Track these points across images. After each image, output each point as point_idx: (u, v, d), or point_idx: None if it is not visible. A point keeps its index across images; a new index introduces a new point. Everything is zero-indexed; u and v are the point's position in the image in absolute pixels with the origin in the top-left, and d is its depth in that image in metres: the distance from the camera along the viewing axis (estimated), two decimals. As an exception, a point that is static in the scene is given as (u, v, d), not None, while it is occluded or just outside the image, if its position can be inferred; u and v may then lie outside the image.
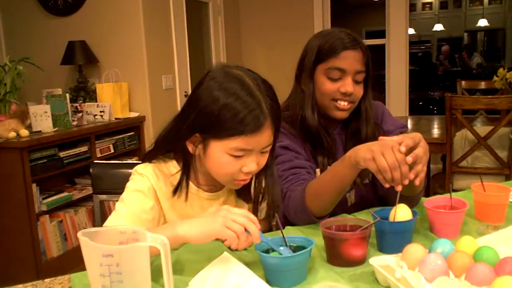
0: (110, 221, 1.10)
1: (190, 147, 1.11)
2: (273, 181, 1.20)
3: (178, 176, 1.16)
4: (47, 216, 2.91)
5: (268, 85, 1.08)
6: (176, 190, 1.15)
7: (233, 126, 1.01)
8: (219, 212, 0.97)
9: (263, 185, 1.21)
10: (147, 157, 1.18)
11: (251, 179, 1.19)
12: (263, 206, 1.29)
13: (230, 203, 1.24)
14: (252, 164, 1.07)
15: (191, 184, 1.18)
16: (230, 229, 0.94)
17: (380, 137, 1.12)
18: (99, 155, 3.21)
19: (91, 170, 1.53)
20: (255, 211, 1.24)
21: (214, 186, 1.22)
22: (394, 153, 1.05)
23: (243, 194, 1.25)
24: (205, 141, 1.07)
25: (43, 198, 2.89)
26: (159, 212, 1.17)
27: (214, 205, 1.21)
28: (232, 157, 1.05)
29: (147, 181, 1.14)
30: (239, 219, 0.95)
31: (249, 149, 1.05)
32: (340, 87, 1.36)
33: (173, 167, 1.18)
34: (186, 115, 1.09)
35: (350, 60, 1.35)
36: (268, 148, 1.10)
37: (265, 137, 1.05)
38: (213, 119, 1.03)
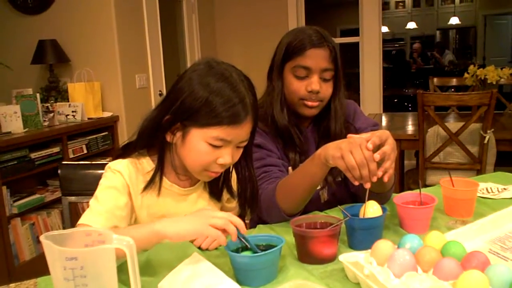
0: (84, 219, 1.07)
1: (168, 136, 1.11)
2: (249, 178, 1.21)
3: (152, 173, 1.15)
4: (19, 219, 2.85)
5: (251, 83, 1.11)
6: (147, 185, 1.14)
7: (216, 116, 1.03)
8: (202, 212, 0.97)
9: (239, 181, 1.22)
10: (124, 151, 1.17)
11: (224, 175, 1.21)
12: (234, 205, 1.29)
13: (204, 198, 1.24)
14: (227, 156, 1.08)
15: (165, 179, 1.17)
16: (214, 227, 0.93)
17: (349, 135, 1.13)
18: (71, 155, 3.16)
19: (59, 172, 1.50)
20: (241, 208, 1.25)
21: (189, 178, 1.21)
22: (362, 150, 1.06)
23: (215, 191, 1.25)
24: (185, 129, 1.07)
25: (14, 201, 2.83)
26: (132, 209, 1.15)
27: (188, 199, 1.21)
28: (210, 146, 1.06)
29: (120, 177, 1.13)
30: (219, 222, 0.95)
31: (228, 140, 1.06)
32: (307, 86, 1.37)
33: (147, 164, 1.17)
34: (168, 105, 1.09)
35: (316, 58, 1.36)
36: (244, 144, 1.12)
37: (244, 130, 1.07)
38: (196, 109, 1.04)
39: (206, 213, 0.97)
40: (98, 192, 1.12)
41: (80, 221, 1.08)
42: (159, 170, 1.15)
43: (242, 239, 0.98)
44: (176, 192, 1.20)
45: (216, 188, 1.24)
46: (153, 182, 1.14)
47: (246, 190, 1.21)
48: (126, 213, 1.12)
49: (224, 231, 0.95)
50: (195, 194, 1.23)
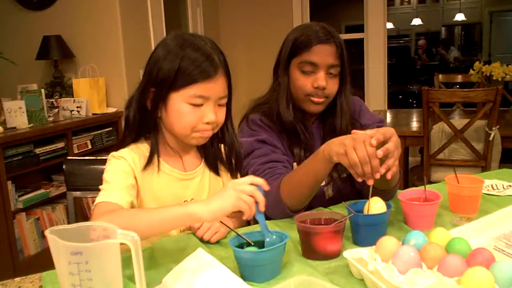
0: (102, 198, 1.08)
1: (157, 112, 1.16)
2: (232, 142, 1.27)
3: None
4: (24, 213, 2.86)
5: (216, 45, 1.17)
6: (146, 165, 1.17)
7: (188, 76, 1.09)
8: (228, 184, 0.98)
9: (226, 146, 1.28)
10: (123, 143, 1.20)
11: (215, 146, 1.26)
12: None
13: (204, 181, 1.26)
14: (211, 114, 1.13)
15: (164, 163, 1.20)
16: (243, 201, 0.95)
17: (353, 131, 1.12)
18: (76, 151, 3.17)
19: (64, 167, 1.51)
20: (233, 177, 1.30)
21: (185, 154, 1.24)
22: (365, 147, 1.05)
23: (211, 161, 1.28)
24: (165, 98, 1.12)
25: (19, 196, 2.84)
26: (138, 192, 1.18)
27: (192, 184, 1.23)
28: (192, 106, 1.12)
29: (125, 162, 1.16)
30: (247, 188, 0.96)
31: (206, 96, 1.12)
32: (313, 82, 1.37)
33: (144, 148, 1.20)
34: (145, 84, 1.15)
35: (322, 54, 1.36)
36: (224, 101, 1.17)
37: (219, 85, 1.13)
38: (170, 78, 1.10)
39: (231, 184, 0.97)
40: (107, 176, 1.14)
41: (98, 200, 1.08)
42: (155, 149, 1.18)
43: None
44: (178, 177, 1.22)
45: (212, 158, 1.28)
46: (151, 162, 1.17)
47: (231, 154, 1.28)
48: (135, 194, 1.16)
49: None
50: (198, 178, 1.25)
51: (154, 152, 1.18)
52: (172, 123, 1.15)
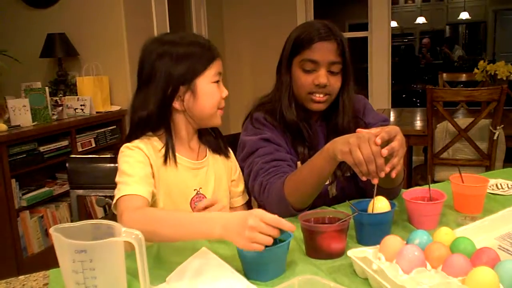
0: (123, 192, 1.08)
1: (177, 104, 1.20)
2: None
3: (163, 150, 1.21)
4: (27, 211, 2.87)
5: (198, 34, 1.31)
6: (165, 160, 1.20)
7: (205, 59, 1.20)
8: (252, 221, 0.91)
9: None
10: (135, 134, 1.21)
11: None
12: (240, 190, 1.40)
13: (210, 172, 1.30)
14: (224, 89, 1.25)
15: (177, 154, 1.23)
16: (257, 242, 0.90)
17: (358, 130, 1.12)
18: (80, 149, 3.17)
19: (67, 165, 1.51)
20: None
21: (197, 149, 1.29)
22: (370, 145, 1.05)
23: (215, 149, 1.34)
24: (190, 86, 1.19)
25: (23, 194, 2.84)
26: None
27: (200, 173, 1.27)
28: (215, 84, 1.22)
29: (139, 151, 1.17)
30: (268, 232, 0.91)
31: (221, 71, 1.24)
32: (314, 79, 1.37)
33: (156, 143, 1.22)
34: (165, 88, 1.18)
35: (323, 51, 1.35)
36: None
37: (221, 61, 1.25)
38: (190, 70, 1.18)
39: (254, 222, 0.91)
40: (125, 167, 1.14)
41: (120, 194, 1.08)
42: (170, 142, 1.21)
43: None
44: (188, 166, 1.25)
45: (213, 143, 1.34)
46: (168, 157, 1.20)
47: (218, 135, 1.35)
48: (153, 182, 1.17)
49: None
50: (205, 168, 1.29)
51: (169, 145, 1.21)
52: (203, 106, 1.21)
